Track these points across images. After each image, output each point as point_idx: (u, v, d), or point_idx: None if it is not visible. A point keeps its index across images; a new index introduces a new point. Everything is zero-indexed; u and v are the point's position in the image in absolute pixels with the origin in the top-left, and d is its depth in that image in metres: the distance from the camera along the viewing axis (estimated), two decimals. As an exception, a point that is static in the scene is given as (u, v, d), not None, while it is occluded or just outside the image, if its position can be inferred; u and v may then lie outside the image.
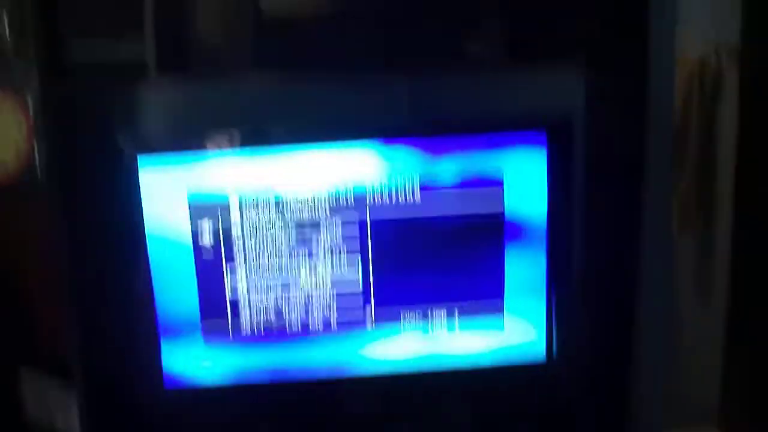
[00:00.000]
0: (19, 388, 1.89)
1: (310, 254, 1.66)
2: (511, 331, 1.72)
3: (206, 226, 1.61)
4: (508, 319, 1.71)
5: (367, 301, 1.69)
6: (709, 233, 3.16)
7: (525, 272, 1.70)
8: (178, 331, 1.68)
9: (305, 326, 1.69)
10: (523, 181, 1.64)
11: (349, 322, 1.71)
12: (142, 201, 1.60)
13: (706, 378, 3.22)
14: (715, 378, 3.21)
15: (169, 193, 1.60)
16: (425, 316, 1.71)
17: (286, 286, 1.67)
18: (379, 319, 1.70)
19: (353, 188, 1.63)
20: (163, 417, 1.76)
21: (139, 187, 1.59)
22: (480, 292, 1.72)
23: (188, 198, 1.60)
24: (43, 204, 1.62)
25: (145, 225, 1.61)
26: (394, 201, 1.64)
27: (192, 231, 1.62)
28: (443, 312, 1.72)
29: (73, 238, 1.58)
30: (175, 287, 1.65)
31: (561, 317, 1.69)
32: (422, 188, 1.63)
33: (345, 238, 1.65)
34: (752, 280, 3.00)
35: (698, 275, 3.21)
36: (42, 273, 1.82)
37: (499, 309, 1.71)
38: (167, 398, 1.71)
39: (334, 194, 1.62)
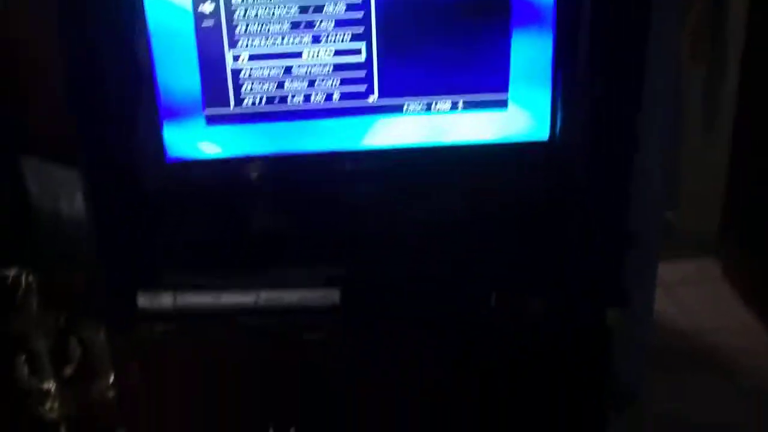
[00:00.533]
0: (23, 177, 1.88)
1: (313, 35, 1.62)
2: (515, 113, 1.70)
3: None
4: (513, 102, 1.69)
5: (370, 83, 1.66)
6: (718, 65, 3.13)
7: (531, 55, 1.67)
8: (179, 104, 1.67)
9: (307, 102, 1.67)
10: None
11: (352, 99, 1.68)
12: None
13: (707, 210, 3.23)
14: (716, 210, 3.22)
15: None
16: (429, 102, 1.68)
17: (288, 66, 1.65)
18: (382, 98, 1.68)
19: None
20: (166, 191, 1.76)
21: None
22: (485, 77, 1.69)
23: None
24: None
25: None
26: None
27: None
28: (448, 98, 1.69)
29: (69, 9, 1.54)
30: (175, 58, 1.62)
31: (566, 99, 1.66)
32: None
33: (348, 19, 1.61)
34: (758, 112, 2.98)
35: (706, 105, 3.19)
36: (40, 51, 1.79)
37: (503, 91, 1.69)
38: (169, 171, 1.71)
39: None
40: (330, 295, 1.67)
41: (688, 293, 3.14)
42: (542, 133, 1.72)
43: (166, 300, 1.68)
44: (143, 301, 1.69)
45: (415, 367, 1.74)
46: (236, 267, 1.70)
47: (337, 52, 1.65)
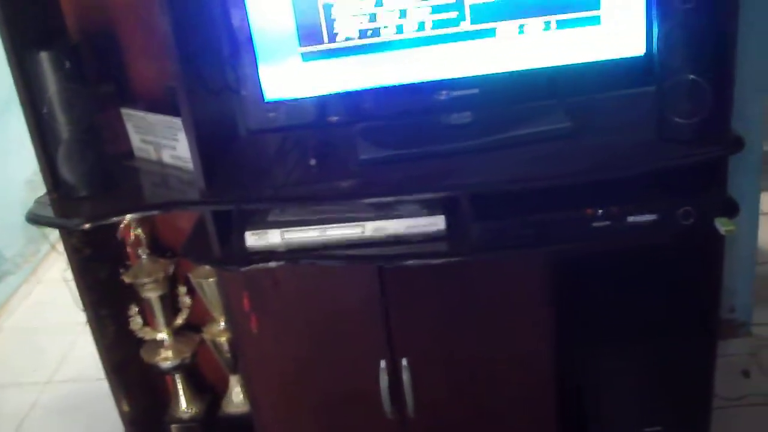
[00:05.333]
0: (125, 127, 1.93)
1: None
2: (609, 28, 1.68)
3: None
4: (606, 17, 1.67)
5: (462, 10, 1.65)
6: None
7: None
8: (274, 45, 1.68)
9: (400, 33, 1.67)
10: None
11: (444, 27, 1.68)
12: None
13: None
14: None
15: None
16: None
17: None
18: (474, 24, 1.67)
19: None
20: (266, 131, 1.79)
21: None
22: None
23: None
24: None
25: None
26: None
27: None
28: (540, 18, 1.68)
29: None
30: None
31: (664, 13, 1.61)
32: None
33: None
34: None
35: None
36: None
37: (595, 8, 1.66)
38: (268, 111, 1.73)
39: None
40: (435, 223, 1.66)
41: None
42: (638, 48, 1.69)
43: (273, 237, 1.70)
44: (252, 240, 1.70)
45: (523, 290, 1.74)
46: (338, 201, 1.70)
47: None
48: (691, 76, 1.59)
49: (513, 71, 1.72)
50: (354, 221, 1.69)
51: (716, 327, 1.85)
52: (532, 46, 1.69)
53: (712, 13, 1.54)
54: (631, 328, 1.85)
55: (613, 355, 1.85)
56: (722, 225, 1.60)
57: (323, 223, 1.70)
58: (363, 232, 1.69)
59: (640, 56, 1.71)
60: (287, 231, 1.70)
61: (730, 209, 1.64)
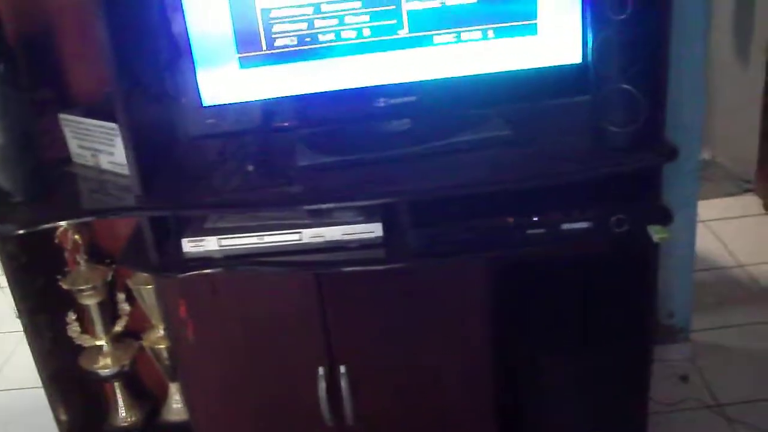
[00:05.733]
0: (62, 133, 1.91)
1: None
2: (545, 37, 1.71)
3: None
4: (542, 27, 1.70)
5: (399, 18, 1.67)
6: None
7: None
8: (212, 51, 1.68)
9: (338, 39, 1.67)
10: None
11: (381, 34, 1.69)
12: None
13: (746, 147, 3.19)
14: (754, 146, 3.17)
15: None
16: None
17: (317, 3, 1.66)
18: (412, 32, 1.68)
19: None
20: (204, 137, 1.78)
21: None
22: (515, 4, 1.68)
23: None
24: None
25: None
26: None
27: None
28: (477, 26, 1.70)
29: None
30: (205, 3, 1.64)
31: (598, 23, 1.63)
32: None
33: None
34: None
35: (738, 33, 3.13)
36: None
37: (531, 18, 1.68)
38: (205, 113, 1.72)
39: None
40: (372, 229, 1.67)
41: (730, 228, 3.11)
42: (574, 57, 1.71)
43: (210, 244, 1.69)
44: (189, 247, 1.69)
45: (460, 297, 1.74)
46: (276, 207, 1.70)
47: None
48: (625, 86, 1.61)
49: (450, 78, 1.73)
50: (291, 228, 1.68)
51: (651, 332, 1.87)
52: (470, 54, 1.70)
53: (644, 24, 1.57)
54: (568, 334, 1.86)
55: (551, 360, 1.86)
56: (655, 233, 1.63)
57: (260, 230, 1.69)
58: (300, 239, 1.69)
59: (576, 65, 1.72)
60: (224, 238, 1.70)
61: (664, 217, 1.67)
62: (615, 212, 1.63)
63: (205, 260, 1.71)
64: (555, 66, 1.73)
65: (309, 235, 1.69)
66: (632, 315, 1.81)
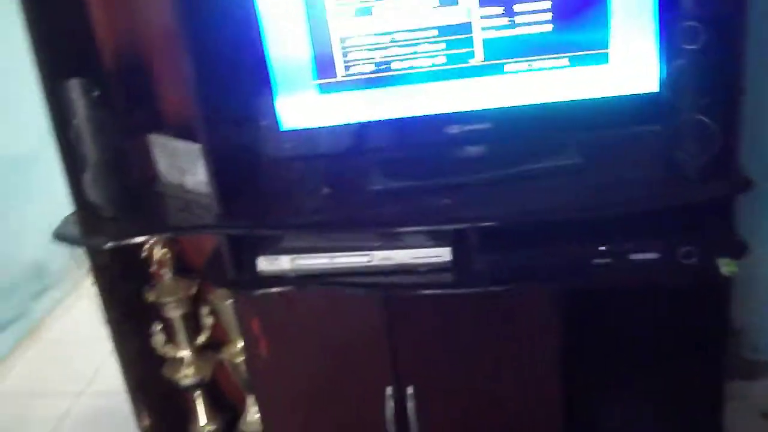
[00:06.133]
0: (152, 153, 2.00)
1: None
2: (616, 66, 1.71)
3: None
4: (614, 56, 1.70)
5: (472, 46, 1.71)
6: None
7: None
8: (290, 78, 1.75)
9: (412, 65, 1.71)
10: None
11: (454, 62, 1.72)
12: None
13: None
14: None
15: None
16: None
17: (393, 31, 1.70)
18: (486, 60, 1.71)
19: None
20: (281, 160, 1.85)
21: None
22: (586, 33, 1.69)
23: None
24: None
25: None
26: None
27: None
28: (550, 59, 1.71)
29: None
30: (285, 31, 1.70)
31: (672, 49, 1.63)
32: None
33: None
34: None
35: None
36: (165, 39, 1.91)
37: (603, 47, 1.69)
38: (283, 139, 1.79)
39: None
40: (441, 254, 1.69)
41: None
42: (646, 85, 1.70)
43: (284, 263, 1.75)
44: (264, 264, 1.76)
45: (529, 322, 1.75)
46: (349, 230, 1.75)
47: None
48: (698, 116, 1.60)
49: (523, 106, 1.74)
50: (362, 250, 1.72)
51: (725, 367, 1.83)
52: (542, 82, 1.72)
53: (718, 53, 1.55)
54: (640, 366, 1.84)
55: (619, 393, 1.85)
56: (724, 265, 1.60)
57: (332, 251, 1.74)
58: (370, 261, 1.72)
59: (651, 94, 1.72)
60: (297, 257, 1.75)
61: (736, 249, 1.64)
62: (684, 243, 1.61)
63: (278, 278, 1.76)
64: (627, 95, 1.72)
65: (379, 258, 1.72)
66: (704, 349, 1.77)
